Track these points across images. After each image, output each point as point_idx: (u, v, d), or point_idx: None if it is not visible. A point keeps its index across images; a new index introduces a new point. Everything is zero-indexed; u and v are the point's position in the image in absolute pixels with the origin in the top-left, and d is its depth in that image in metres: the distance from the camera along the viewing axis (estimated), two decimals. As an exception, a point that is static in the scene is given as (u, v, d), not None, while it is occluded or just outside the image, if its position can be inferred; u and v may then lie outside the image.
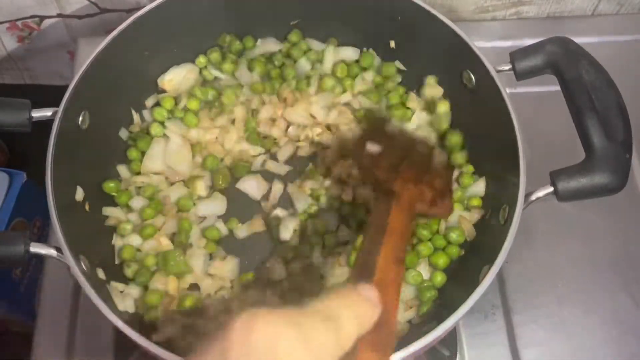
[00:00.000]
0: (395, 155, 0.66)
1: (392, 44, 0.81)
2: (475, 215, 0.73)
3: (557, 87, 0.68)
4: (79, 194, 0.70)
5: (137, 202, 0.75)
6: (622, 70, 0.70)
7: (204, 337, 0.63)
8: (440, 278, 0.71)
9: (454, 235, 0.72)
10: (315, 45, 0.84)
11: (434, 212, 0.65)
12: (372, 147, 0.66)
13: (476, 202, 0.74)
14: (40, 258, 0.84)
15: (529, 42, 0.70)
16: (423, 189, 0.63)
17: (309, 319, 0.35)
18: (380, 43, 0.82)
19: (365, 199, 0.75)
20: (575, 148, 0.65)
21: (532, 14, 1.00)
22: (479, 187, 0.74)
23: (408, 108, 0.80)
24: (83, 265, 0.62)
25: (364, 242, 0.51)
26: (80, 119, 0.70)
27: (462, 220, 0.73)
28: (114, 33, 0.72)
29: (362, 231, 0.73)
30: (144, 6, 0.74)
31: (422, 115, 0.80)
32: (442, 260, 0.71)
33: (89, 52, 0.70)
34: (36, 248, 0.60)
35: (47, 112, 0.67)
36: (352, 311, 0.37)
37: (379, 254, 0.47)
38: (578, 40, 0.69)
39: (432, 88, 0.79)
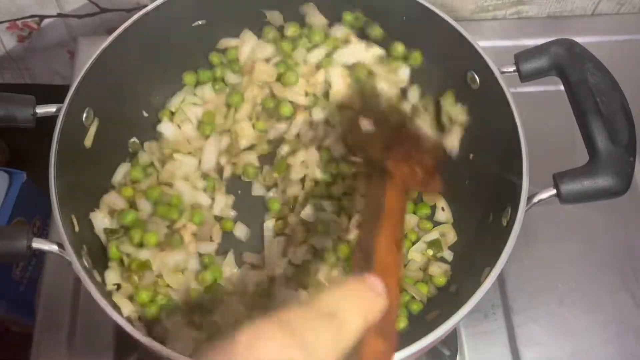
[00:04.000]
0: (387, 133, 0.64)
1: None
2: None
3: (561, 87, 0.67)
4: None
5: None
6: (622, 70, 0.70)
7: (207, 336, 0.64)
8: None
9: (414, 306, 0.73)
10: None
11: (425, 189, 0.64)
12: (366, 125, 0.64)
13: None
14: (41, 257, 0.85)
15: (529, 41, 0.70)
16: (414, 168, 0.61)
17: (309, 323, 0.34)
18: (385, 44, 0.81)
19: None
20: (579, 149, 0.65)
21: (533, 14, 1.00)
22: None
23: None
24: (84, 261, 0.62)
25: (361, 227, 0.50)
26: (85, 115, 0.70)
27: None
28: (124, 26, 0.71)
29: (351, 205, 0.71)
30: (145, 5, 0.73)
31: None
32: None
33: (89, 52, 0.70)
34: (38, 244, 0.60)
35: (51, 109, 0.67)
36: (355, 304, 0.36)
37: (377, 239, 0.46)
38: (578, 39, 0.69)
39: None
